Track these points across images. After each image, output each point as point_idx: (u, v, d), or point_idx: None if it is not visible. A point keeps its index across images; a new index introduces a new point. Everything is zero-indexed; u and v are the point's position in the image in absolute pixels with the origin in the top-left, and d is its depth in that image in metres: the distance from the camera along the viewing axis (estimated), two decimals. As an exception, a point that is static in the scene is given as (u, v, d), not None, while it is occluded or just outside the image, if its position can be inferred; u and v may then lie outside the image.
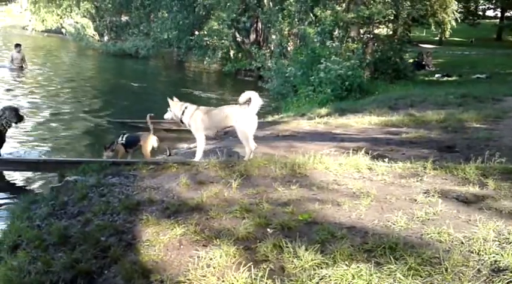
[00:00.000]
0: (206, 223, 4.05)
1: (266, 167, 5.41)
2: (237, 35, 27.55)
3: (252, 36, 28.59)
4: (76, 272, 3.69)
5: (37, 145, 10.23)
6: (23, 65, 21.24)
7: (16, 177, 8.11)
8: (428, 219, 3.79)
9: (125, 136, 8.34)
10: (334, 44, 17.06)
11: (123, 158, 7.92)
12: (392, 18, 20.51)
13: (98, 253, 3.92)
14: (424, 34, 41.04)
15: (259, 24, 28.24)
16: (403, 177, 4.97)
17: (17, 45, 21.28)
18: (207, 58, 27.57)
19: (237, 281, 3.10)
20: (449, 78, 20.83)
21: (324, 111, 11.40)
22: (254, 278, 3.09)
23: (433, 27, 24.84)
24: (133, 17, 37.71)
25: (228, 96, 19.44)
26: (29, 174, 8.13)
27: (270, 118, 11.83)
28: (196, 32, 29.25)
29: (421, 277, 2.92)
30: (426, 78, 21.14)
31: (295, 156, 5.68)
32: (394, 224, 3.72)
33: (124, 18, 40.81)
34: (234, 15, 25.31)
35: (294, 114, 12.17)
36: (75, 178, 5.83)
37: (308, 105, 14.32)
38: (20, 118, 8.70)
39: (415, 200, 4.23)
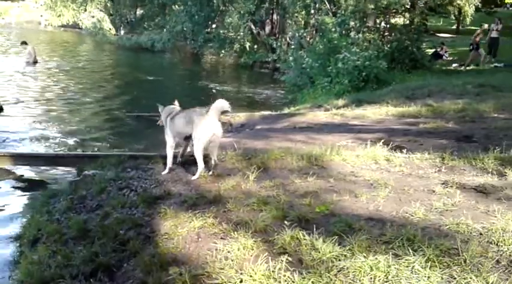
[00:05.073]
0: (224, 215, 4.07)
1: (283, 159, 5.40)
2: (253, 27, 27.52)
3: (268, 28, 28.53)
4: (95, 266, 3.72)
5: (54, 140, 10.29)
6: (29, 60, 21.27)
7: (34, 172, 8.16)
8: (447, 210, 3.77)
9: None
10: (356, 36, 16.96)
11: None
12: (408, 7, 20.32)
13: (117, 246, 3.96)
14: (441, 23, 40.50)
15: (275, 16, 28.18)
16: (421, 167, 4.95)
17: (23, 43, 21.59)
18: (223, 51, 27.60)
19: (255, 273, 3.10)
20: (468, 67, 20.56)
21: (340, 102, 11.34)
22: (272, 271, 3.09)
23: (452, 15, 24.49)
24: (148, 10, 37.84)
25: (245, 89, 19.42)
26: (47, 168, 8.19)
27: (286, 110, 11.83)
28: (213, 25, 29.28)
29: (440, 268, 2.90)
30: (443, 68, 20.90)
31: (312, 148, 5.66)
32: (412, 215, 3.71)
33: (139, 11, 41.03)
34: (250, 6, 25.26)
35: (311, 106, 12.13)
36: (93, 172, 5.89)
37: (325, 97, 14.28)
38: None
39: (433, 191, 4.22)
